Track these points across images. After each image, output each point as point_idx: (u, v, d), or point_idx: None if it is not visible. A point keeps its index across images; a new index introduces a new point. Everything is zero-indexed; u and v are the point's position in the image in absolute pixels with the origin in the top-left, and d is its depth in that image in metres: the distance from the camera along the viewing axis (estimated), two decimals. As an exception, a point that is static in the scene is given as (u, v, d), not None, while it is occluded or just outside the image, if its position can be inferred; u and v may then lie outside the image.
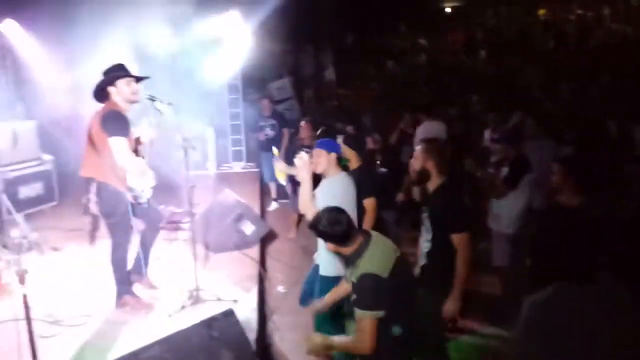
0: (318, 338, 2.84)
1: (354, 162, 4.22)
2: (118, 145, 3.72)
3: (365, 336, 2.63)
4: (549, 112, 7.86)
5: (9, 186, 6.36)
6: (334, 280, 3.68)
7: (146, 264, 4.42)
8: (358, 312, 2.66)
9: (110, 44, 6.65)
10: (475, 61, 12.97)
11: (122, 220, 3.88)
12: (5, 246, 5.51)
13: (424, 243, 3.44)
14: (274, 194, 8.16)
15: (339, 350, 2.91)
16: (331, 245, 2.79)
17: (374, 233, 2.88)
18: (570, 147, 5.95)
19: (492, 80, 10.83)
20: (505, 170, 4.57)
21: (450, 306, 3.22)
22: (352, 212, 3.57)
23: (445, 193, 3.32)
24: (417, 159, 3.44)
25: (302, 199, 3.49)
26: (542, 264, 3.42)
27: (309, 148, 6.11)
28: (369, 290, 2.65)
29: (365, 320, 2.63)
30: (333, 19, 11.15)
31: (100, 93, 3.92)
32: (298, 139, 6.71)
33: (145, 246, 4.39)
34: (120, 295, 4.17)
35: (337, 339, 2.86)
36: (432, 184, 3.39)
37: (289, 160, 7.13)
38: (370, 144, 6.52)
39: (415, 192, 3.83)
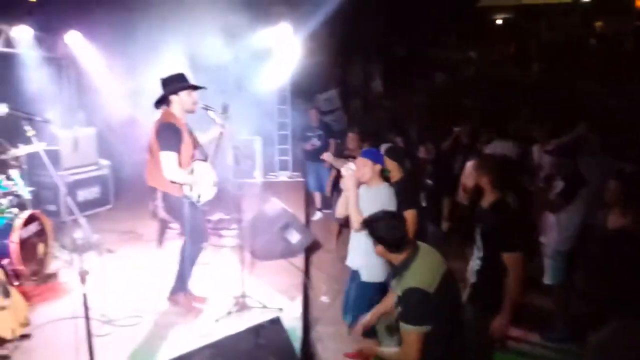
0: (368, 344, 2.84)
1: (396, 173, 4.22)
2: (166, 159, 3.84)
3: (411, 350, 2.60)
4: (608, 127, 7.54)
5: (69, 189, 6.71)
6: (372, 287, 3.69)
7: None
8: (403, 326, 2.64)
9: (167, 53, 6.91)
10: (527, 74, 12.64)
11: (194, 221, 4.01)
12: (63, 246, 5.81)
13: (475, 261, 3.37)
14: (318, 203, 8.20)
15: (381, 356, 2.90)
16: (380, 249, 2.79)
17: (422, 245, 2.86)
18: (629, 165, 5.68)
19: (545, 94, 10.52)
20: (558, 185, 4.43)
21: (499, 326, 3.14)
22: None
23: (499, 210, 3.23)
24: (470, 176, 3.39)
25: (350, 208, 3.53)
26: (596, 291, 3.30)
27: (354, 158, 6.17)
28: (415, 305, 2.63)
29: (410, 334, 2.61)
30: (382, 31, 11.14)
31: (161, 101, 4.05)
32: (345, 149, 6.74)
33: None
34: (175, 291, 4.28)
35: (386, 349, 2.85)
36: (486, 201, 3.31)
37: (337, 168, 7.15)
38: (422, 152, 6.48)
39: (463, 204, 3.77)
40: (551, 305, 4.68)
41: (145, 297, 4.58)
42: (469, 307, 3.20)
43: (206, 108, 4.14)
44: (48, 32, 7.27)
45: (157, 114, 4.10)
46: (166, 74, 4.10)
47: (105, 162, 7.39)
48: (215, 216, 6.85)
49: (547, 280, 4.53)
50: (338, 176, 7.00)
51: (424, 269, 2.70)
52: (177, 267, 4.31)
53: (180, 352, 3.58)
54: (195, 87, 4.06)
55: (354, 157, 6.30)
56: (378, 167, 3.66)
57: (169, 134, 3.88)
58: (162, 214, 4.13)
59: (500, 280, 3.11)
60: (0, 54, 6.55)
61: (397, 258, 2.76)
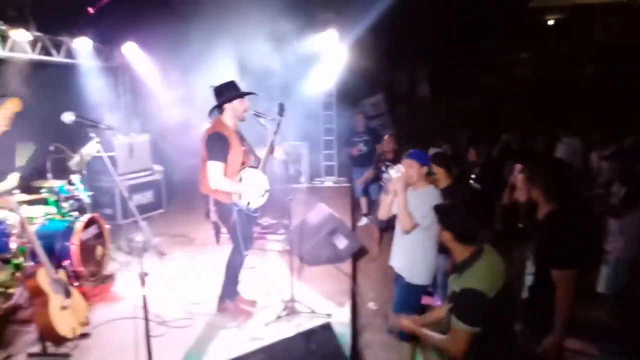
0: (408, 321, 2.85)
1: (443, 180, 4.14)
2: (212, 169, 3.91)
3: (457, 345, 2.60)
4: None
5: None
6: (415, 290, 3.62)
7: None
8: (454, 321, 2.63)
9: (217, 60, 7.08)
10: (582, 76, 12.14)
11: (241, 229, 4.07)
12: (120, 248, 6.04)
13: (527, 275, 3.22)
14: (364, 209, 8.15)
15: (425, 341, 2.89)
16: (448, 237, 2.77)
17: (488, 248, 2.80)
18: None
19: (601, 97, 10.07)
20: (619, 190, 4.23)
21: (550, 346, 2.96)
22: (437, 228, 3.54)
23: (553, 223, 3.00)
24: (521, 189, 3.24)
25: (400, 209, 3.52)
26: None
27: (391, 162, 6.10)
28: (471, 306, 2.61)
29: (460, 331, 2.59)
30: (429, 34, 11.00)
31: (214, 109, 4.14)
32: (381, 152, 6.69)
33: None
34: (223, 299, 4.36)
35: (430, 333, 2.84)
36: (541, 212, 3.09)
37: (377, 171, 7.08)
38: (471, 155, 6.35)
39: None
40: (609, 315, 4.47)
41: (196, 300, 4.69)
42: (521, 324, 3.08)
43: (257, 115, 4.20)
44: (106, 43, 7.60)
45: (208, 120, 4.20)
46: (217, 81, 4.18)
47: (158, 167, 7.64)
48: (264, 220, 6.95)
49: (602, 289, 4.33)
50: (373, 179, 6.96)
51: (487, 272, 2.66)
52: (224, 275, 4.37)
53: (231, 354, 3.66)
54: (246, 94, 4.13)
55: (389, 161, 6.24)
56: (424, 169, 3.62)
57: (216, 144, 3.94)
58: (214, 217, 4.20)
59: (552, 297, 2.93)
60: (62, 65, 6.88)
61: (462, 252, 2.73)
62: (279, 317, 4.26)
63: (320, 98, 10.14)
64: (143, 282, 2.41)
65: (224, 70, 6.68)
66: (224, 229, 5.86)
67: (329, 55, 9.12)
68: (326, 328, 2.86)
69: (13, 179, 4.54)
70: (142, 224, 2.36)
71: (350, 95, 9.65)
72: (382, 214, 3.83)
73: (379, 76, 10.57)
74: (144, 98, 8.32)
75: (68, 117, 2.44)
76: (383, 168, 6.05)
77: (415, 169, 3.59)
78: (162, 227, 6.94)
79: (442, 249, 3.67)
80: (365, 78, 9.94)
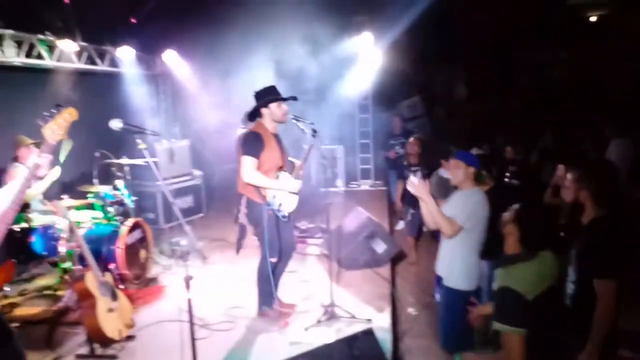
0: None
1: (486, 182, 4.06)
2: (246, 163, 3.99)
3: (513, 355, 2.53)
4: None
5: (165, 198, 7.14)
6: (460, 295, 3.54)
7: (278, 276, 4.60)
8: (499, 326, 2.59)
9: (254, 65, 7.17)
10: (626, 74, 11.65)
11: (269, 233, 4.09)
12: (162, 252, 6.18)
13: (569, 284, 3.07)
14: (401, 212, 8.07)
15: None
16: (512, 228, 2.75)
17: (546, 254, 2.74)
18: None
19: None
20: None
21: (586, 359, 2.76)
22: (483, 230, 3.48)
23: (599, 229, 2.80)
24: (569, 189, 3.11)
25: (430, 216, 3.48)
26: None
27: (416, 166, 5.98)
28: (508, 306, 2.58)
29: (507, 335, 2.55)
30: (466, 34, 10.82)
31: (254, 113, 4.20)
32: (407, 154, 6.50)
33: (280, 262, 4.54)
34: (261, 306, 4.39)
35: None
36: (586, 217, 2.90)
37: (404, 179, 6.95)
38: (509, 153, 6.21)
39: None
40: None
41: (237, 304, 4.74)
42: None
43: (296, 119, 4.23)
44: (147, 52, 7.81)
45: (241, 126, 4.24)
46: (254, 86, 4.23)
47: (198, 172, 7.79)
48: (301, 224, 6.97)
49: None
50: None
51: (530, 276, 2.61)
52: (257, 284, 4.39)
53: (272, 358, 3.69)
54: (282, 99, 4.16)
55: (414, 165, 6.11)
56: (471, 169, 3.53)
57: (251, 141, 4.04)
58: (242, 219, 4.24)
59: (593, 308, 2.72)
60: (106, 73, 7.11)
61: (515, 247, 2.72)
62: (319, 322, 4.25)
63: (356, 101, 10.12)
64: (188, 286, 2.45)
65: (261, 75, 6.75)
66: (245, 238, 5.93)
67: (365, 58, 9.09)
68: (369, 334, 2.84)
69: (56, 171, 4.73)
70: (187, 228, 2.40)
71: (386, 97, 9.59)
72: (428, 224, 3.71)
73: (415, 78, 10.45)
74: (184, 104, 8.52)
75: (115, 124, 2.51)
76: (409, 173, 5.93)
77: (461, 169, 3.52)
78: (202, 232, 7.05)
79: (485, 255, 3.60)
80: (401, 80, 9.87)
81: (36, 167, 2.47)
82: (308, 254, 6.19)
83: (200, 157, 8.35)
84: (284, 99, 4.16)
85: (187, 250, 2.43)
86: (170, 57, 8.16)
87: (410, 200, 5.88)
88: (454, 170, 3.56)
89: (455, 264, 3.53)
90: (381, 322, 4.35)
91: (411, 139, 6.45)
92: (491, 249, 3.44)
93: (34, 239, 4.71)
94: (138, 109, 7.20)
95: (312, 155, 4.55)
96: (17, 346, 2.61)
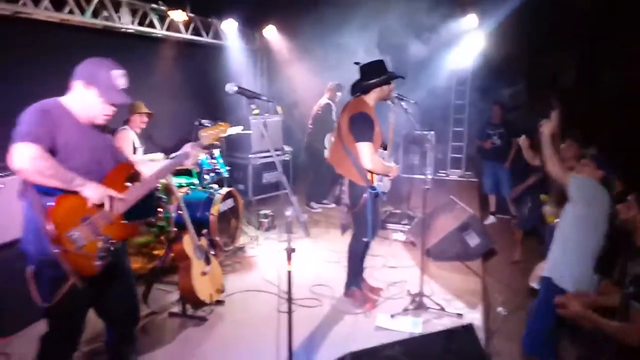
0: (578, 302, 2.65)
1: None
2: (364, 150, 3.82)
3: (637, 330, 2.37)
4: None
5: (257, 171, 7.28)
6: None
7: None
8: (635, 305, 2.43)
9: (353, 46, 7.02)
10: None
11: (365, 214, 3.99)
12: (249, 223, 6.30)
13: None
14: (492, 206, 7.64)
15: (597, 326, 2.60)
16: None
17: None
18: None
19: None
20: None
21: None
22: (603, 235, 3.17)
23: None
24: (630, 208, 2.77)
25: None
26: None
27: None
28: None
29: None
30: (578, 19, 9.91)
31: (359, 87, 4.02)
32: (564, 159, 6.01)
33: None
34: (349, 286, 4.33)
35: (602, 319, 2.58)
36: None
37: (516, 170, 6.53)
38: None
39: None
40: None
41: (321, 281, 4.71)
42: None
43: (400, 98, 4.05)
44: (248, 26, 7.92)
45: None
46: (350, 67, 4.09)
47: (288, 148, 7.85)
48: (385, 210, 6.82)
49: None
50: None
51: None
52: (348, 262, 4.33)
53: (356, 341, 3.61)
54: (396, 78, 3.99)
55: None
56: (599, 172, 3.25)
57: (364, 125, 3.86)
58: (346, 200, 4.15)
59: None
60: (210, 45, 7.28)
61: None
62: (405, 310, 4.11)
63: (452, 86, 9.68)
64: (290, 258, 2.40)
65: (359, 55, 6.60)
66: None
67: (467, 41, 8.61)
68: (468, 330, 2.66)
69: (158, 157, 4.98)
70: (293, 199, 2.34)
71: (486, 84, 9.03)
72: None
73: (519, 64, 9.77)
74: (280, 80, 8.57)
75: (230, 87, 2.51)
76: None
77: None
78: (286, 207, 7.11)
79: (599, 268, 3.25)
80: (503, 66, 9.24)
81: (192, 160, 2.84)
82: (394, 240, 6.03)
83: (290, 134, 8.40)
84: (397, 77, 3.99)
85: (292, 222, 2.36)
86: (270, 33, 8.22)
87: (528, 191, 5.54)
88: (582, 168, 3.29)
89: (565, 259, 3.25)
90: (472, 319, 4.13)
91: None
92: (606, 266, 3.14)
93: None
94: (237, 81, 7.29)
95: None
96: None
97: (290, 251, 2.39)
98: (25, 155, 2.09)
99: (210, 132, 3.02)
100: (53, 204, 2.19)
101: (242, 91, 2.59)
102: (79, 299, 2.39)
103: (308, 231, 2.40)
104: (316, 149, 7.10)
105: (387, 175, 4.03)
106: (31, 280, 2.34)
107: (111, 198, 2.33)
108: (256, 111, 2.53)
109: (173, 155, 2.56)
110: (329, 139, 7.00)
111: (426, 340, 2.67)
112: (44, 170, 2.12)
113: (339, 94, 7.25)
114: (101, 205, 2.31)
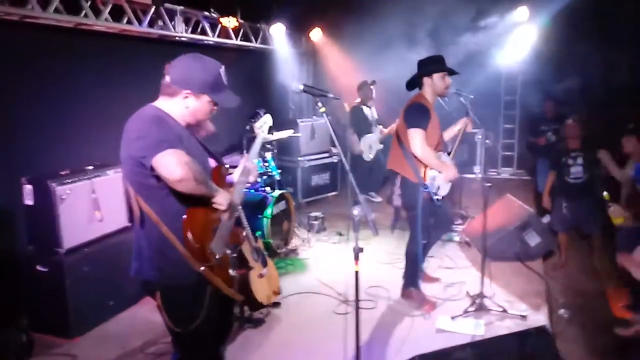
0: None
1: None
2: (415, 136, 3.77)
3: None
4: None
5: (306, 174, 7.30)
6: None
7: (423, 259, 4.43)
8: None
9: (399, 48, 6.94)
10: None
11: (420, 215, 3.91)
12: (301, 225, 6.32)
13: None
14: (548, 205, 7.36)
15: None
16: None
17: None
18: None
19: None
20: None
21: None
22: None
23: None
24: None
25: None
26: None
27: (574, 152, 5.21)
28: None
29: None
30: (634, 11, 9.45)
31: (414, 82, 4.01)
32: (565, 137, 5.62)
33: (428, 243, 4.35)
34: (406, 286, 4.26)
35: None
36: None
37: (558, 167, 6.22)
38: None
39: None
40: None
41: (376, 283, 4.66)
42: None
43: (459, 93, 3.97)
44: (295, 29, 7.96)
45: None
46: (400, 69, 4.07)
47: (336, 150, 7.84)
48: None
49: None
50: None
51: None
52: (405, 262, 4.28)
53: (418, 343, 3.54)
54: (450, 72, 3.92)
55: (573, 151, 5.31)
56: None
57: (418, 112, 3.85)
58: (397, 201, 4.08)
59: None
60: (258, 50, 7.36)
61: None
62: (466, 312, 4.00)
63: (503, 81, 9.42)
64: (357, 258, 2.36)
65: (406, 58, 6.51)
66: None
67: (518, 35, 8.35)
68: (543, 332, 2.56)
69: None
70: (361, 198, 2.31)
71: (537, 79, 8.72)
72: None
73: (572, 59, 9.40)
74: (325, 82, 8.57)
75: (297, 86, 2.49)
76: (568, 160, 5.24)
77: None
78: (336, 209, 7.09)
79: None
80: (556, 60, 8.91)
81: (254, 172, 2.57)
82: (447, 240, 5.88)
83: (337, 136, 8.38)
84: (450, 72, 3.91)
85: (360, 221, 2.32)
86: (317, 35, 8.24)
87: (563, 191, 5.29)
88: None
89: None
90: (536, 322, 3.97)
91: (569, 121, 5.53)
92: None
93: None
94: (285, 85, 7.34)
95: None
96: None
97: (358, 251, 2.35)
98: (177, 162, 1.92)
99: (261, 125, 2.85)
100: (186, 219, 2.05)
101: (308, 89, 2.56)
102: (212, 320, 2.25)
103: (376, 229, 2.33)
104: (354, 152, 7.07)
105: (440, 172, 3.90)
106: (161, 307, 2.20)
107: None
108: (323, 109, 2.51)
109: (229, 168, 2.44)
110: (366, 142, 6.98)
111: (499, 343, 2.57)
112: (197, 174, 1.97)
113: (373, 88, 7.08)
114: (221, 213, 2.19)
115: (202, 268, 2.07)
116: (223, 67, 2.26)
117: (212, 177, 2.21)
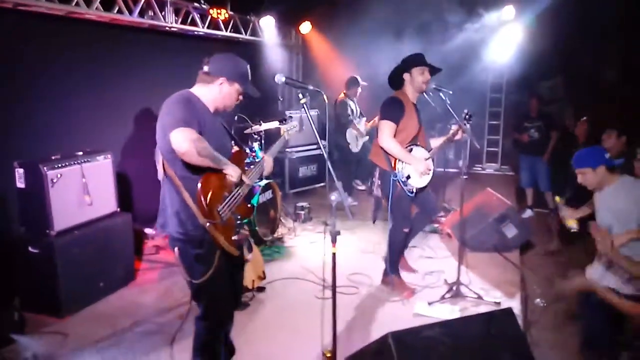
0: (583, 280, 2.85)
1: None
2: (383, 127, 4.00)
3: None
4: None
5: (294, 165, 7.42)
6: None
7: (405, 247, 4.62)
8: None
9: (386, 43, 7.07)
10: None
11: (399, 204, 4.07)
12: (287, 214, 6.45)
13: None
14: (529, 200, 7.56)
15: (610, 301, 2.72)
16: None
17: None
18: None
19: None
20: None
21: None
22: None
23: None
24: None
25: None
26: None
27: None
28: None
29: None
30: (619, 9, 9.63)
31: (395, 79, 4.16)
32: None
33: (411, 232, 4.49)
34: (387, 273, 4.42)
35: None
36: None
37: (556, 163, 6.42)
38: None
39: None
40: None
41: (358, 270, 4.82)
42: None
43: (438, 89, 4.10)
44: (284, 22, 8.04)
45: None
46: (386, 64, 4.22)
47: (323, 142, 7.96)
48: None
49: None
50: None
51: None
52: (386, 250, 4.43)
53: (396, 327, 3.69)
54: (432, 68, 4.07)
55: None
56: (601, 168, 3.10)
57: (390, 106, 4.06)
58: (377, 191, 4.25)
59: None
60: (248, 42, 7.44)
61: None
62: (443, 298, 4.17)
63: (489, 79, 9.60)
64: (334, 241, 2.51)
65: (393, 52, 6.63)
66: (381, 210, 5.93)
67: (503, 33, 8.52)
68: (508, 314, 2.70)
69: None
70: (338, 184, 2.47)
71: (523, 77, 8.91)
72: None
73: (557, 57, 9.58)
74: (314, 75, 8.68)
75: (279, 78, 2.66)
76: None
77: (589, 175, 3.13)
78: (323, 200, 7.24)
79: None
80: (541, 59, 9.08)
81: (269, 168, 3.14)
82: (428, 231, 6.05)
83: (324, 128, 8.51)
84: (429, 67, 4.05)
85: (337, 205, 2.48)
86: (306, 29, 8.34)
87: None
88: (582, 178, 3.19)
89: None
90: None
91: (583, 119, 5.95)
92: None
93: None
94: (273, 77, 7.43)
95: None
96: None
97: (335, 234, 2.49)
98: (185, 138, 2.26)
99: (289, 128, 3.49)
100: (201, 183, 2.40)
101: (290, 81, 2.73)
102: (224, 276, 2.61)
103: (352, 214, 2.51)
104: (339, 145, 7.23)
105: (409, 163, 4.03)
106: (179, 260, 2.53)
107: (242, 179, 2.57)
108: (303, 100, 2.65)
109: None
110: (352, 134, 7.13)
111: (466, 323, 2.73)
112: (201, 150, 2.29)
113: (360, 87, 7.20)
114: (235, 185, 2.56)
115: (208, 224, 2.39)
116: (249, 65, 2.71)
117: (232, 158, 2.59)
